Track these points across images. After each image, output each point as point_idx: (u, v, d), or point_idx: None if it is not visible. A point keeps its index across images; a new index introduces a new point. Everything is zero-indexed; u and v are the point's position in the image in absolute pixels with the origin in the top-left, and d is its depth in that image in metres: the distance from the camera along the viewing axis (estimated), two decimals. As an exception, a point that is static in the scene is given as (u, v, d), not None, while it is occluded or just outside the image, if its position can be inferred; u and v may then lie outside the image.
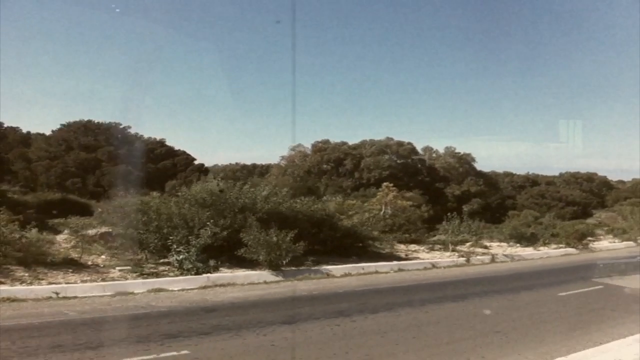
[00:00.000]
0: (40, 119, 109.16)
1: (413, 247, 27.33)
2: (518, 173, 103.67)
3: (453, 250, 26.53)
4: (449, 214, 28.72)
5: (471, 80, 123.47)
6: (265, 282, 15.51)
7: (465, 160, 69.75)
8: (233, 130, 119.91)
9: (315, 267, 17.99)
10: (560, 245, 32.28)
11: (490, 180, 73.02)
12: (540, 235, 32.98)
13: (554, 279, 17.15)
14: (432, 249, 26.62)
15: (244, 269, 16.99)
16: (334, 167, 64.09)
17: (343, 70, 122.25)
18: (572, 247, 31.92)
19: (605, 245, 35.83)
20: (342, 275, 16.86)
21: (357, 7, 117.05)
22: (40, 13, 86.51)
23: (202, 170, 55.83)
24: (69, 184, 36.06)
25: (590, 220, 70.76)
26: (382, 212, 32.54)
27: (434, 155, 70.27)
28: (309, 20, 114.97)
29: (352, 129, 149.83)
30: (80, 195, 32.26)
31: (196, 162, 62.90)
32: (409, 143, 68.51)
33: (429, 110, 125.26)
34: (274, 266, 16.90)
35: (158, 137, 74.32)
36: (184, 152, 56.95)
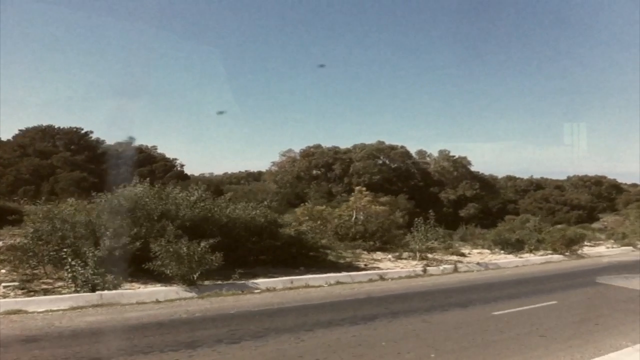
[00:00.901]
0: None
1: (379, 255, 25.15)
2: (521, 177, 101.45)
3: (422, 259, 24.35)
4: (417, 219, 26.43)
5: (471, 84, 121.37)
6: (170, 300, 13.40)
7: (461, 164, 67.24)
8: (226, 139, 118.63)
9: (241, 281, 15.87)
10: (548, 252, 29.94)
11: (488, 184, 70.38)
12: (526, 241, 30.63)
13: (506, 292, 14.87)
14: (399, 258, 24.40)
15: (156, 284, 14.94)
16: (324, 172, 62.07)
17: (337, 75, 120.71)
18: (559, 254, 29.56)
19: (599, 251, 33.31)
20: (263, 290, 14.72)
21: (351, 11, 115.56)
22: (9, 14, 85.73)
23: (182, 177, 53.98)
24: (22, 192, 34.39)
25: (595, 225, 68.20)
26: (353, 218, 30.32)
27: (427, 158, 67.93)
28: (302, 25, 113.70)
29: (354, 135, 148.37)
30: (33, 203, 30.36)
31: (179, 169, 61.47)
32: (402, 147, 66.34)
33: (428, 114, 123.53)
34: (187, 281, 14.82)
35: (150, 145, 73.24)
36: (164, 159, 55.19)
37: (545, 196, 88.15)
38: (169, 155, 71.09)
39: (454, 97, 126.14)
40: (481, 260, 26.16)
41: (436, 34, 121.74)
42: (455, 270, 20.42)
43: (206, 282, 15.62)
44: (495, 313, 11.41)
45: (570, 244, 30.04)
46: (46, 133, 46.74)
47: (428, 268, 20.66)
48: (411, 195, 63.82)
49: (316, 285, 15.51)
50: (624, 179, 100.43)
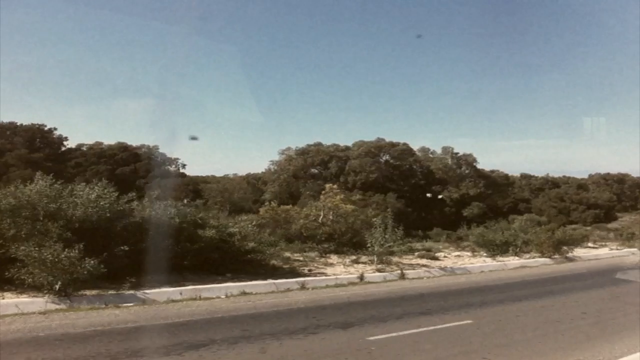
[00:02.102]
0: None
1: (334, 259, 22.80)
2: (536, 175, 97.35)
3: (382, 263, 21.92)
4: (375, 218, 23.97)
5: (488, 82, 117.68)
6: (23, 314, 11.38)
7: (466, 162, 63.97)
8: (233, 139, 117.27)
9: (130, 292, 13.75)
10: (535, 255, 27.11)
11: (495, 182, 66.88)
12: (510, 242, 27.84)
13: (426, 307, 12.31)
14: (356, 262, 22.00)
15: (21, 295, 12.90)
16: (320, 171, 59.81)
17: (339, 72, 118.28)
18: (547, 256, 26.71)
19: (598, 253, 30.22)
20: (142, 303, 12.51)
21: (354, 6, 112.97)
22: None
23: (176, 176, 52.42)
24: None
25: (612, 225, 64.47)
26: (320, 218, 27.98)
27: (430, 156, 64.86)
28: (304, 22, 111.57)
29: (356, 132, 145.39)
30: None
31: (175, 170, 59.85)
32: (404, 144, 63.44)
33: (440, 111, 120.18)
34: (58, 292, 12.75)
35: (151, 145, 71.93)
36: (149, 159, 53.62)
37: (560, 195, 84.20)
38: (171, 155, 70.08)
39: (468, 94, 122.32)
40: (454, 264, 23.57)
41: (447, 30, 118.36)
42: (402, 277, 17.89)
43: (93, 292, 13.61)
44: (371, 338, 9.00)
45: (558, 246, 27.15)
46: (4, 129, 45.18)
47: (373, 274, 18.21)
48: (412, 194, 61.05)
49: (212, 296, 13.24)
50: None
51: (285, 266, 20.19)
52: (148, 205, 18.01)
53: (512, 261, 25.13)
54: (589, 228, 61.58)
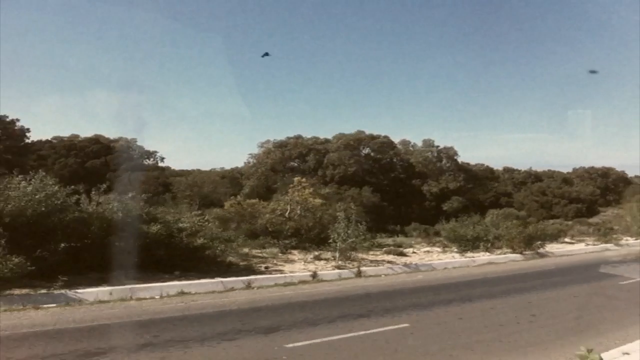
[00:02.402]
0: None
1: (296, 255, 22.11)
2: (519, 169, 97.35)
3: (346, 259, 21.28)
4: (339, 212, 23.31)
5: (471, 75, 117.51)
6: None
7: (447, 155, 63.42)
8: (217, 133, 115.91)
9: (61, 291, 12.94)
10: (507, 250, 26.63)
11: (476, 176, 66.47)
12: (481, 237, 27.34)
13: (366, 308, 11.45)
14: (317, 258, 21.32)
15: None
16: (300, 163, 59.02)
17: (324, 65, 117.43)
18: (518, 252, 26.24)
19: (572, 249, 29.79)
20: (65, 304, 11.68)
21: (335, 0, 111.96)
22: None
23: (152, 169, 51.30)
24: None
25: (593, 219, 64.45)
26: (287, 213, 27.25)
27: (411, 149, 64.21)
28: (283, 16, 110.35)
29: (340, 125, 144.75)
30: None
31: (153, 163, 58.90)
32: (385, 136, 62.74)
33: (424, 105, 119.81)
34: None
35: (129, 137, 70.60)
36: (123, 151, 52.34)
37: (542, 189, 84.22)
38: (150, 148, 68.84)
39: (453, 88, 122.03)
40: (420, 260, 22.99)
41: (431, 24, 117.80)
42: (359, 274, 17.22)
43: (23, 291, 12.78)
44: (289, 345, 8.29)
45: (530, 242, 26.68)
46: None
47: (329, 272, 17.53)
48: (392, 188, 60.45)
49: (145, 297, 12.45)
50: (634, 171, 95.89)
51: (242, 263, 19.44)
52: (95, 199, 17.11)
53: (481, 257, 24.60)
54: (570, 222, 61.55)
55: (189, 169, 69.13)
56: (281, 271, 18.02)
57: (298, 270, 18.17)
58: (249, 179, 57.82)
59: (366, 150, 62.21)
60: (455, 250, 26.81)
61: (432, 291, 14.46)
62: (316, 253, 22.05)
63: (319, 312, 11.15)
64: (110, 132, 62.19)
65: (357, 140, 58.64)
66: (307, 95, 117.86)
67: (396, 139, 66.68)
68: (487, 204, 72.75)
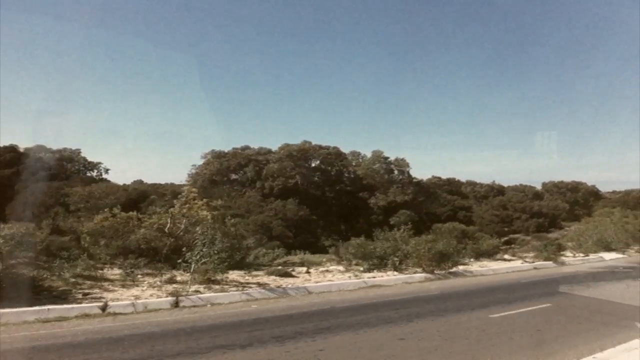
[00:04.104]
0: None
1: (148, 278, 18.55)
2: (481, 182, 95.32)
3: (208, 282, 17.84)
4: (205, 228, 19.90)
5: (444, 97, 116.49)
6: None
7: (398, 166, 60.33)
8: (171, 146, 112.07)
9: None
10: (417, 270, 23.37)
11: (427, 190, 63.52)
12: (387, 255, 24.09)
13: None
14: (171, 281, 17.79)
15: None
16: (240, 175, 55.49)
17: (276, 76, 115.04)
18: (428, 272, 23.02)
19: (497, 268, 26.54)
20: None
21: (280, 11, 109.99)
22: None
23: (84, 180, 47.25)
24: None
25: (554, 234, 62.02)
26: (167, 228, 23.66)
27: (360, 160, 61.05)
28: (228, 27, 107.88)
29: (294, 137, 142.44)
30: None
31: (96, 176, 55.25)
32: (335, 147, 59.51)
33: (393, 120, 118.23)
34: None
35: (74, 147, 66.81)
36: (37, 161, 48.32)
37: (503, 203, 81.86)
38: (94, 159, 65.49)
39: (423, 108, 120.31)
40: (305, 282, 19.56)
41: (402, 39, 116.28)
42: (176, 304, 13.69)
43: None
44: None
45: (441, 260, 23.49)
46: None
47: (153, 300, 13.98)
48: (338, 201, 57.19)
49: None
50: (609, 187, 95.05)
51: (64, 288, 15.91)
52: None
53: (379, 278, 21.40)
54: (528, 237, 59.02)
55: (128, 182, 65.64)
56: (100, 299, 14.44)
57: (123, 298, 14.61)
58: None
59: (316, 162, 58.98)
60: (361, 269, 23.52)
61: (254, 326, 11.02)
62: (170, 275, 18.48)
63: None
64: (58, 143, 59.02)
65: (302, 151, 55.23)
66: (259, 107, 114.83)
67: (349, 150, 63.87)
68: (444, 217, 69.98)
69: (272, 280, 19.76)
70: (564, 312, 13.26)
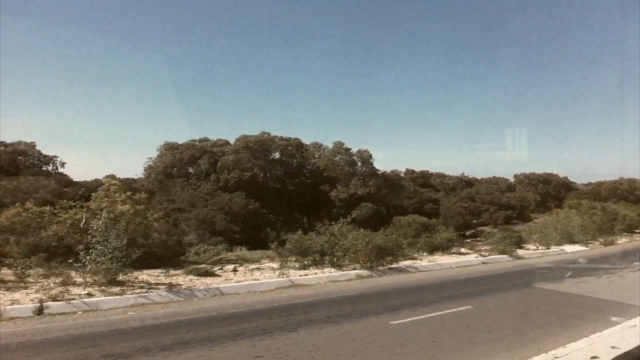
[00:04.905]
0: None
1: (36, 279, 16.47)
2: (450, 174, 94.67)
3: (111, 283, 15.91)
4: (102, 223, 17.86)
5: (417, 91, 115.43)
6: None
7: (361, 158, 58.78)
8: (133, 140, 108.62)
9: None
10: (356, 266, 21.71)
11: (391, 182, 62.09)
12: (325, 250, 22.43)
13: None
14: (66, 283, 15.76)
15: None
16: (194, 168, 53.25)
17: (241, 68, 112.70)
18: (367, 268, 21.40)
19: (447, 262, 25.05)
20: None
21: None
22: None
23: (34, 174, 44.39)
24: None
25: (522, 226, 61.12)
26: (82, 223, 21.49)
27: (322, 152, 59.32)
28: (184, 16, 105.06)
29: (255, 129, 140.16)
30: None
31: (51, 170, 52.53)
32: (296, 139, 57.69)
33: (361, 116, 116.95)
34: None
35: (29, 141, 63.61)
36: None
37: (471, 195, 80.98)
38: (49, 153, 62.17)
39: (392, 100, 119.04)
40: (226, 282, 17.72)
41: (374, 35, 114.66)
42: (40, 312, 11.71)
43: None
44: None
45: (380, 255, 21.90)
46: None
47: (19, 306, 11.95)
48: (298, 194, 55.38)
49: None
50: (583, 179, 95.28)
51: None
52: None
53: (314, 275, 19.74)
54: (495, 230, 58.10)
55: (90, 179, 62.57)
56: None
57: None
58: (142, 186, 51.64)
59: (276, 154, 57.00)
60: (297, 266, 21.79)
61: (100, 340, 9.14)
62: (67, 276, 16.44)
63: None
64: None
65: (260, 142, 53.25)
66: (226, 98, 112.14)
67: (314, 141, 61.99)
68: (410, 210, 68.68)
69: (188, 280, 17.92)
70: (478, 318, 11.27)
